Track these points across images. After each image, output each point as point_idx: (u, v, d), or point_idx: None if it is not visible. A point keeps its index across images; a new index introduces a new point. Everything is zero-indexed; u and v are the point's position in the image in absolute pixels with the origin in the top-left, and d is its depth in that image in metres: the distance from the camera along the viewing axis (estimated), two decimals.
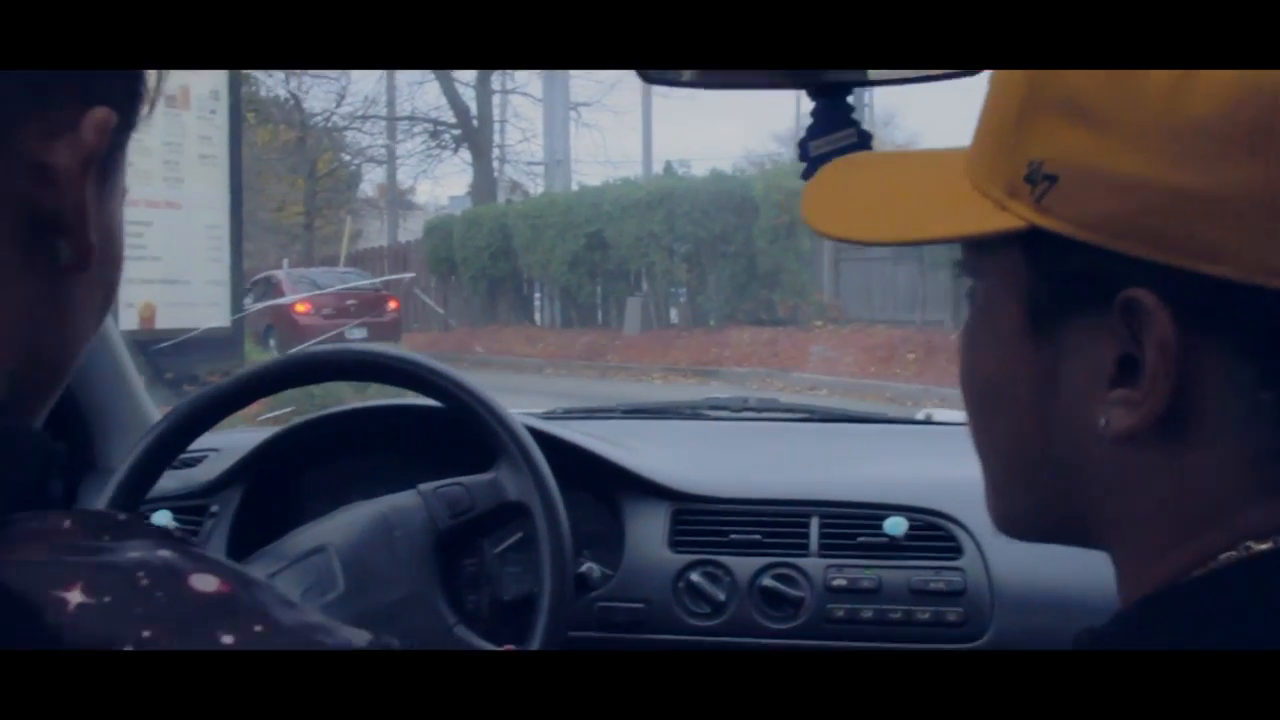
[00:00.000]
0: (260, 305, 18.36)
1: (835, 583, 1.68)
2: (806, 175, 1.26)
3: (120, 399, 2.04)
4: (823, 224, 0.78)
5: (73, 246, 0.62)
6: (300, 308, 18.06)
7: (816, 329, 16.18)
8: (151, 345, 7.62)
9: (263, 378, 1.58)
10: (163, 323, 8.14)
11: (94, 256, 0.63)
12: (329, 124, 28.87)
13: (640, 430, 2.19)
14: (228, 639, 0.59)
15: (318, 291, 18.67)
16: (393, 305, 19.27)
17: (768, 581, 1.70)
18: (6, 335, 0.62)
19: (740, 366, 15.48)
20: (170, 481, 1.93)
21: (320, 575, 1.46)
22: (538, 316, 21.34)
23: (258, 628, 0.60)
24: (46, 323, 0.64)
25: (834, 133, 1.25)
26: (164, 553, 0.61)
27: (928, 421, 2.29)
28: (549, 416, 2.34)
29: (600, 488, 1.82)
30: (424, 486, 1.51)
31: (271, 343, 17.27)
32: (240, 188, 8.83)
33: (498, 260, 20.94)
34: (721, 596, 1.70)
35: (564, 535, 1.44)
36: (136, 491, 1.55)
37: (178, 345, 7.31)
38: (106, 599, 0.57)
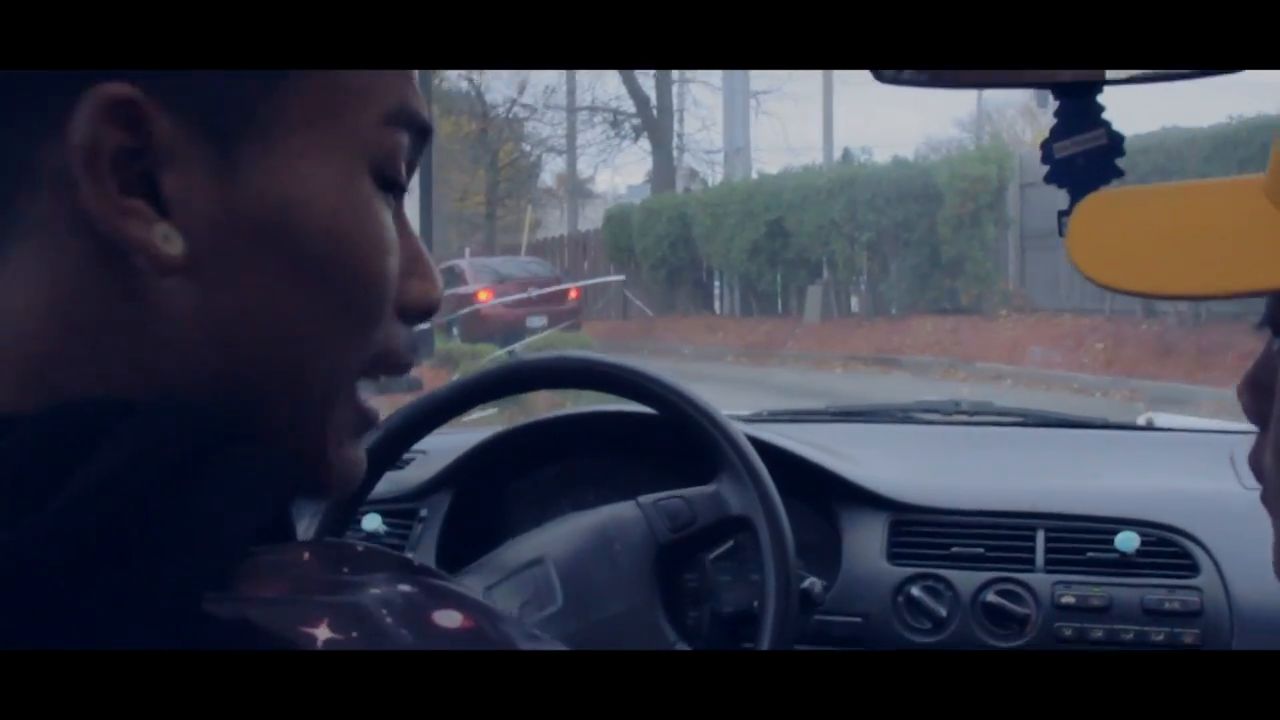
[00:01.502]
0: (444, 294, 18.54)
1: (1064, 600, 1.61)
2: (1050, 179, 1.19)
3: None
4: (1103, 273, 0.71)
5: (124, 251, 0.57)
6: (483, 295, 18.32)
7: (1001, 318, 15.88)
8: None
9: (479, 386, 1.57)
10: None
11: (170, 262, 0.57)
12: (510, 115, 29.22)
13: (851, 435, 2.13)
14: None
15: (500, 280, 18.91)
16: (573, 294, 19.42)
17: (992, 597, 1.64)
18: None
19: (922, 355, 15.27)
20: (381, 484, 1.93)
21: (539, 588, 1.44)
22: (717, 305, 21.33)
23: None
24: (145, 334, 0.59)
25: (1081, 134, 1.18)
26: (405, 587, 0.59)
27: (1149, 427, 2.20)
28: (755, 419, 2.30)
29: (816, 497, 1.78)
30: (644, 499, 1.48)
31: (455, 331, 17.54)
32: (430, 182, 8.98)
33: (676, 249, 20.98)
34: (943, 612, 1.64)
35: (789, 551, 1.40)
36: (355, 501, 1.55)
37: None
38: (354, 635, 0.55)
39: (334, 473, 0.66)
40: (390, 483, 1.93)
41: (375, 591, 0.57)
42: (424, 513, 1.87)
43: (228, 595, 0.55)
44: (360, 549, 0.61)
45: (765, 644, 1.35)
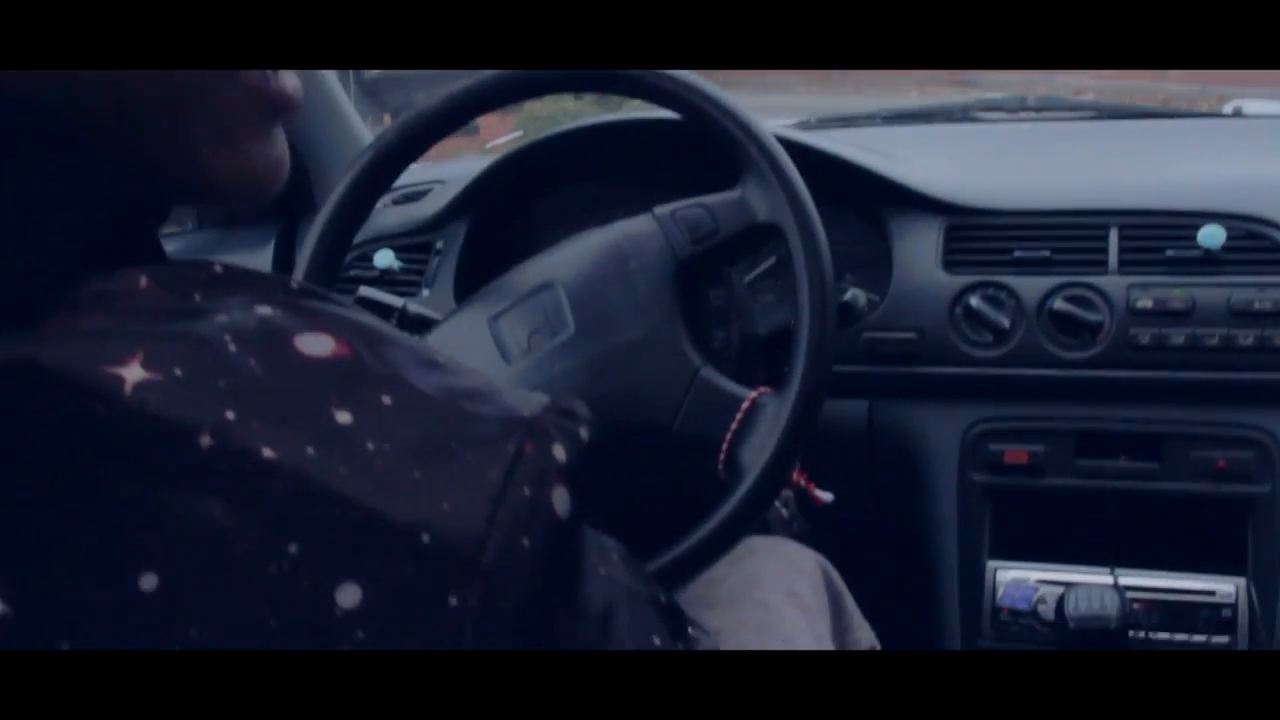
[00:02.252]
0: None
1: (1140, 304, 1.45)
2: None
3: (333, 134, 1.90)
4: None
5: None
6: None
7: None
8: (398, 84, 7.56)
9: (476, 95, 1.39)
10: None
11: None
12: None
13: (905, 137, 1.94)
14: (343, 416, 0.45)
15: None
16: None
17: (1059, 304, 1.47)
18: None
19: (999, 72, 14.83)
20: (393, 218, 1.79)
21: (548, 315, 1.29)
22: None
23: (386, 399, 0.47)
24: None
25: None
26: (265, 309, 0.47)
27: (1237, 115, 1.99)
28: (802, 126, 2.12)
29: (863, 203, 1.61)
30: (660, 209, 1.31)
31: None
32: None
33: None
34: (1005, 322, 1.48)
35: (823, 258, 1.23)
36: (345, 227, 1.40)
37: (395, 76, 7.21)
38: (177, 372, 0.44)
39: (220, 177, 0.56)
40: (403, 216, 1.79)
41: (223, 318, 0.46)
42: (439, 245, 1.73)
43: (20, 335, 0.44)
44: (220, 270, 0.49)
45: (800, 364, 1.20)
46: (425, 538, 0.45)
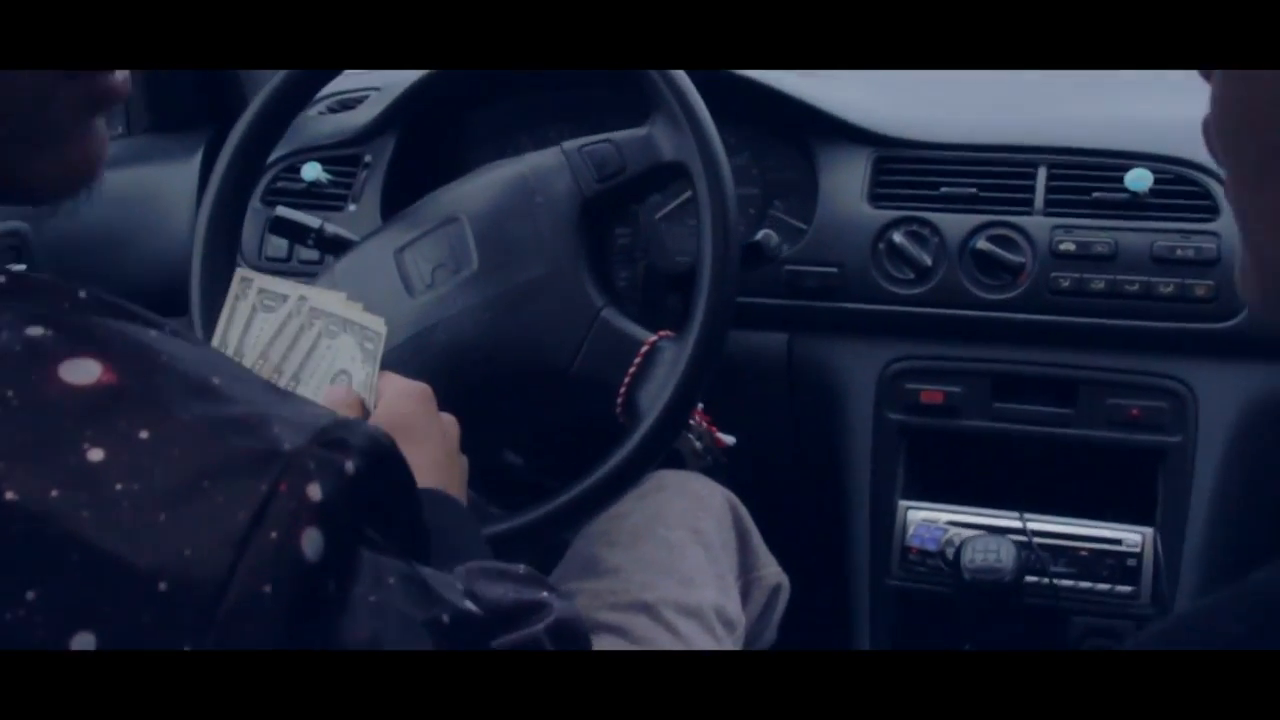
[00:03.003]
0: None
1: (1062, 246, 1.43)
2: None
3: None
4: None
5: None
6: None
7: None
8: None
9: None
10: None
11: None
12: None
13: None
14: (95, 453, 0.45)
15: None
16: None
17: (982, 244, 1.45)
18: None
19: None
20: (324, 127, 1.77)
21: (454, 249, 1.27)
22: None
23: (144, 433, 0.46)
24: None
25: None
26: (36, 331, 0.46)
27: None
28: None
29: (789, 129, 1.58)
30: (568, 144, 1.29)
31: None
32: None
33: None
34: (928, 260, 1.46)
35: (728, 202, 1.21)
36: (260, 143, 1.37)
37: None
38: None
39: (37, 178, 0.57)
40: (334, 126, 1.76)
41: None
42: (368, 158, 1.70)
43: None
44: (4, 280, 0.49)
45: (701, 306, 1.18)
46: (163, 585, 0.44)
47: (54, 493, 0.43)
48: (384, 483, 0.54)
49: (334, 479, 0.49)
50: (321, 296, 0.99)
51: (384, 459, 0.54)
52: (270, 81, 1.36)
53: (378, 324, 0.97)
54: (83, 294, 0.50)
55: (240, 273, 0.97)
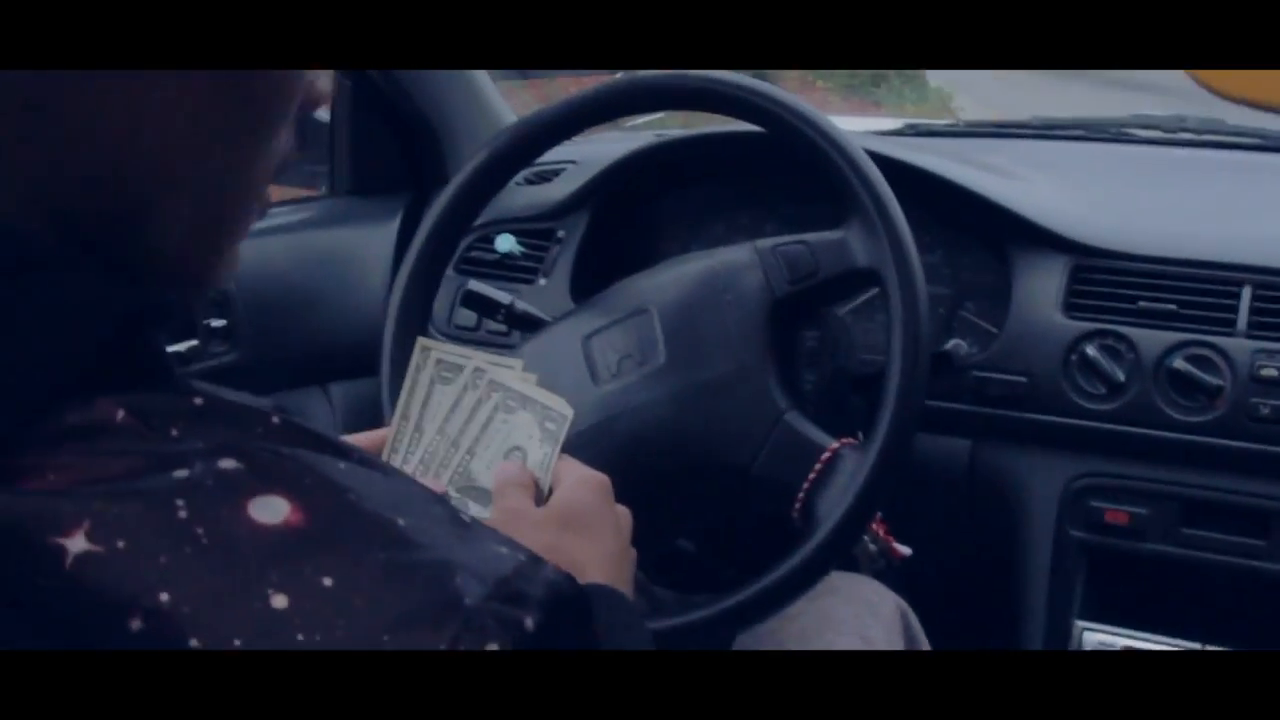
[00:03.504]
0: None
1: (1264, 372, 1.38)
2: None
3: (468, 108, 1.90)
4: None
5: None
6: None
7: None
8: None
9: (587, 106, 1.38)
10: None
11: None
12: None
13: (1043, 154, 1.87)
14: (280, 600, 0.44)
15: None
16: None
17: (1179, 363, 1.41)
18: None
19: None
20: (520, 199, 1.79)
21: (641, 340, 1.28)
22: None
23: (327, 580, 0.46)
24: None
25: None
26: (228, 463, 0.46)
27: None
28: (950, 131, 2.06)
29: (985, 232, 1.56)
30: (762, 243, 1.29)
31: None
32: None
33: None
34: (1121, 376, 1.43)
35: (921, 314, 1.19)
36: (460, 218, 1.41)
37: None
38: (120, 544, 0.43)
39: (202, 290, 0.58)
40: (530, 199, 1.79)
41: (182, 473, 0.45)
42: (561, 234, 1.72)
43: None
44: (200, 402, 0.49)
45: (886, 418, 1.17)
46: None
47: (236, 643, 0.44)
48: (563, 637, 0.54)
49: (512, 636, 0.50)
50: (499, 369, 1.00)
51: (564, 610, 0.54)
52: (475, 157, 1.40)
53: (563, 405, 0.98)
54: (275, 419, 0.50)
55: (422, 342, 0.99)
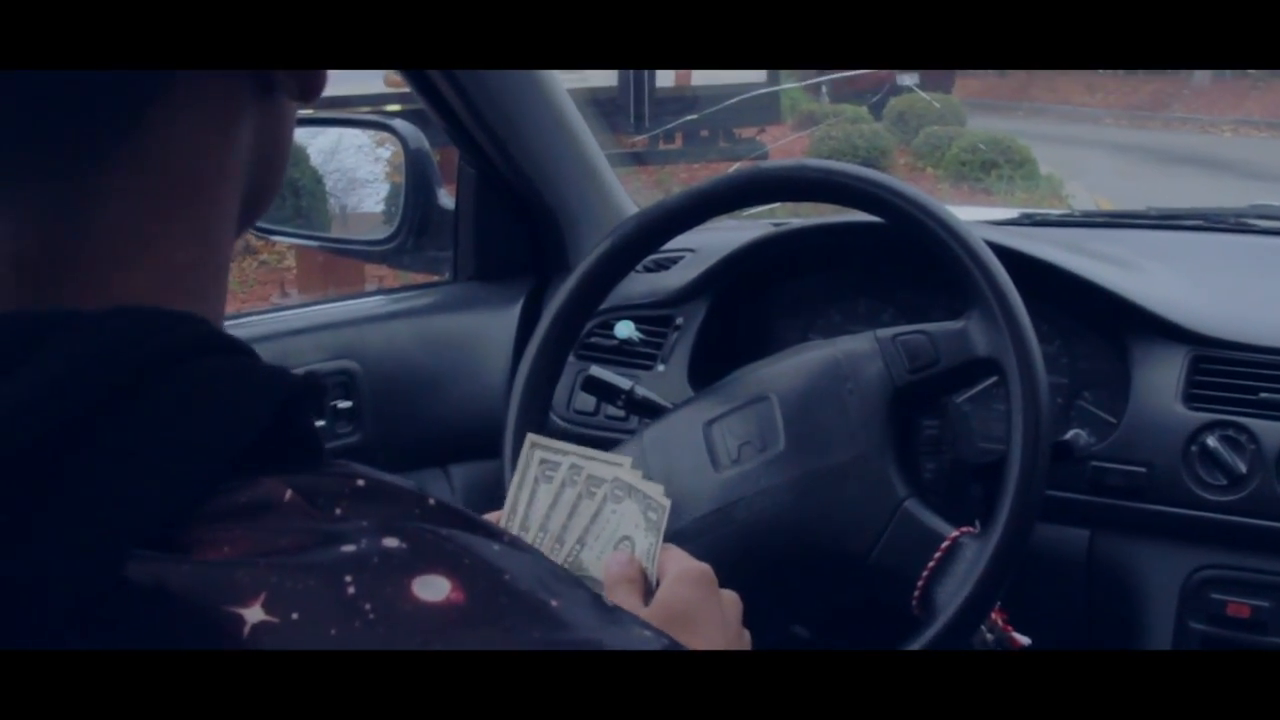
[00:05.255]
0: None
1: None
2: None
3: (590, 197, 1.94)
4: None
5: (301, 80, 0.57)
6: None
7: None
8: (687, 102, 7.65)
9: (712, 197, 1.42)
10: (698, 79, 8.12)
11: (324, 86, 0.57)
12: None
13: (1161, 244, 1.87)
14: None
15: None
16: None
17: None
18: (237, 179, 0.56)
19: None
20: (639, 286, 1.82)
21: (762, 427, 1.30)
22: None
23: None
24: (265, 155, 0.58)
25: None
26: (391, 542, 0.48)
27: None
28: (1065, 221, 2.07)
29: (1104, 323, 1.56)
30: (882, 332, 1.31)
31: (823, 90, 17.20)
32: None
33: None
34: (1242, 468, 1.42)
35: (1041, 405, 1.21)
36: (584, 305, 1.45)
37: (715, 100, 7.29)
38: (294, 616, 0.45)
39: None
40: (649, 286, 1.82)
41: (349, 548, 0.48)
42: (679, 320, 1.75)
43: (155, 555, 0.46)
44: (362, 484, 0.51)
45: (1006, 508, 1.18)
46: None
47: None
48: None
49: None
50: (595, 464, 1.02)
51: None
52: (599, 245, 1.43)
53: (659, 494, 0.99)
54: (431, 501, 0.53)
55: (530, 438, 1.01)
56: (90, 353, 0.46)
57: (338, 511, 0.49)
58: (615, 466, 1.01)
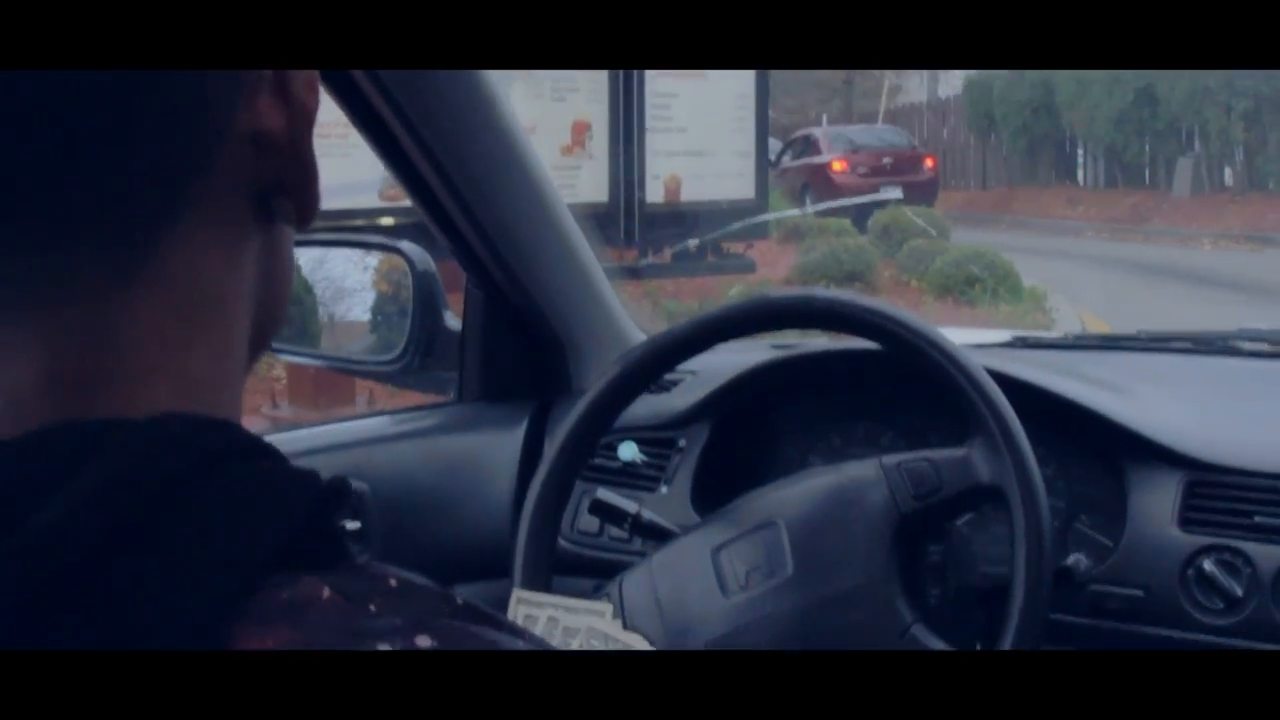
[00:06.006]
0: (798, 163, 18.54)
1: None
2: None
3: (593, 319, 1.98)
4: None
5: (297, 206, 0.59)
6: (837, 166, 18.16)
7: None
8: (676, 217, 7.74)
9: (721, 325, 1.46)
10: (688, 195, 8.24)
11: (317, 211, 0.59)
12: None
13: (1152, 367, 1.91)
14: None
15: (854, 150, 18.64)
16: (929, 164, 18.96)
17: None
18: (246, 299, 0.59)
19: None
20: (641, 408, 1.85)
21: (769, 553, 1.34)
22: (1080, 176, 20.51)
23: None
24: (270, 277, 0.61)
25: None
26: (424, 640, 0.50)
27: None
28: (1057, 343, 2.11)
29: (1099, 448, 1.60)
30: (887, 459, 1.35)
31: (807, 199, 17.41)
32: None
33: (1039, 117, 20.28)
34: (1239, 591, 1.45)
35: (1044, 529, 1.24)
36: (593, 430, 1.48)
37: (703, 215, 7.40)
38: None
39: None
40: (652, 408, 1.85)
41: (384, 646, 0.50)
42: (682, 443, 1.78)
43: (201, 643, 0.48)
44: (394, 582, 0.54)
45: (1011, 630, 1.21)
46: None
47: None
48: None
49: None
50: (573, 615, 1.04)
51: None
52: (608, 372, 1.47)
53: (638, 641, 1.01)
54: (459, 600, 0.55)
55: (515, 594, 1.03)
56: (138, 459, 0.48)
57: (372, 609, 0.51)
58: (595, 615, 1.03)
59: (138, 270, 0.53)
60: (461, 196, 1.67)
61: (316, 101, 0.58)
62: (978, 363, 1.33)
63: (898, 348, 1.37)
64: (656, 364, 1.48)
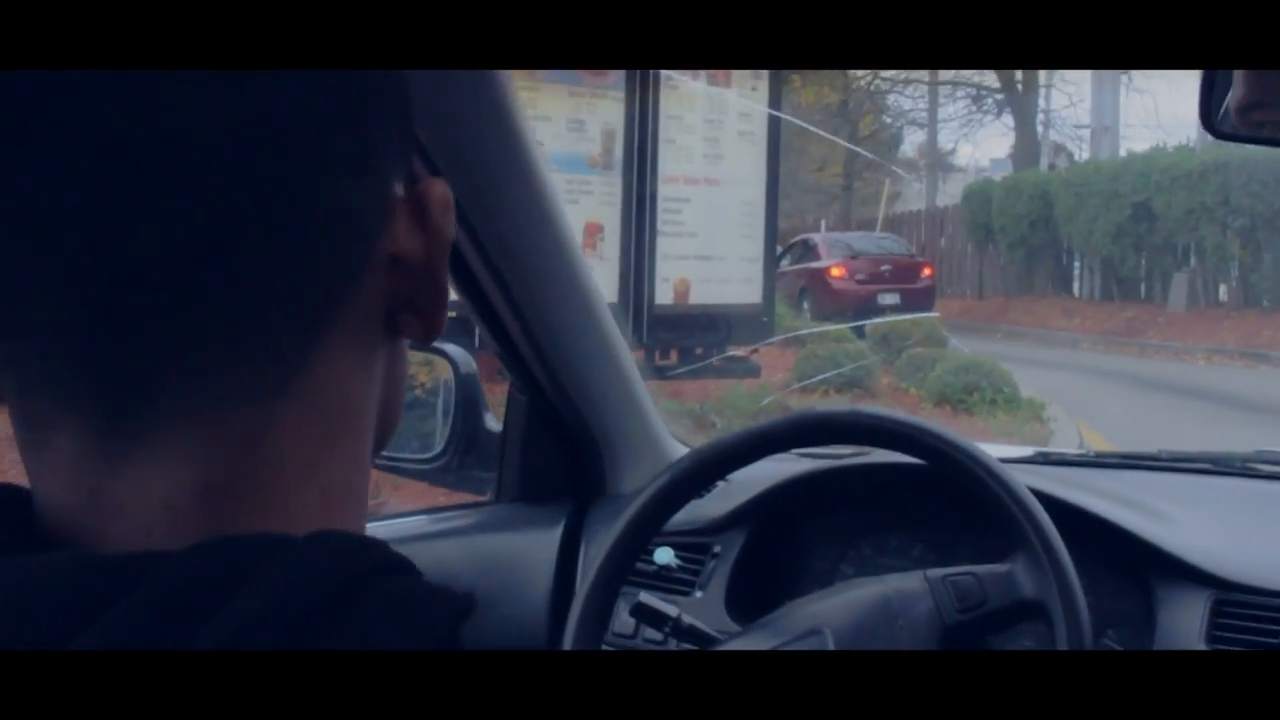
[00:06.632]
0: (796, 267, 18.69)
1: None
2: None
3: (629, 424, 2.03)
4: None
5: (425, 324, 0.62)
6: (835, 272, 18.27)
7: None
8: (684, 320, 7.81)
9: (767, 439, 1.51)
10: (696, 298, 8.33)
11: (443, 329, 0.62)
12: (871, 87, 28.93)
13: (1172, 487, 1.97)
14: None
15: (853, 256, 18.78)
16: (927, 272, 19.10)
17: None
18: (374, 409, 0.62)
19: None
20: (679, 514, 1.90)
21: None
22: (1076, 288, 20.66)
23: None
24: (392, 386, 0.64)
25: None
26: None
27: None
28: (1081, 461, 2.16)
29: (1129, 565, 1.65)
30: (932, 573, 1.40)
31: (805, 305, 17.54)
32: (777, 166, 8.91)
33: (1037, 228, 20.43)
34: None
35: (1085, 645, 1.29)
36: (641, 536, 1.53)
37: (710, 320, 7.48)
38: None
39: None
40: (687, 512, 1.89)
41: None
42: (717, 549, 1.83)
43: None
44: None
45: None
46: None
47: None
48: None
49: None
50: None
51: None
52: (658, 480, 1.52)
53: None
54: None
55: None
56: (301, 576, 0.51)
57: None
58: None
59: (287, 385, 0.56)
60: (517, 306, 1.72)
61: (453, 227, 0.61)
62: (1021, 482, 1.38)
63: (941, 463, 1.43)
64: (704, 473, 1.53)
